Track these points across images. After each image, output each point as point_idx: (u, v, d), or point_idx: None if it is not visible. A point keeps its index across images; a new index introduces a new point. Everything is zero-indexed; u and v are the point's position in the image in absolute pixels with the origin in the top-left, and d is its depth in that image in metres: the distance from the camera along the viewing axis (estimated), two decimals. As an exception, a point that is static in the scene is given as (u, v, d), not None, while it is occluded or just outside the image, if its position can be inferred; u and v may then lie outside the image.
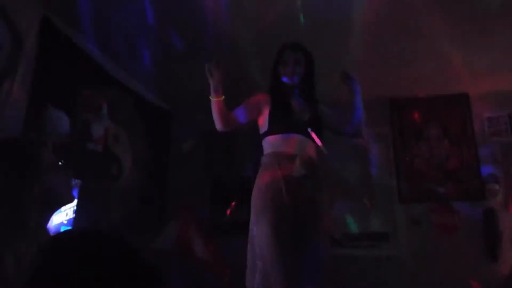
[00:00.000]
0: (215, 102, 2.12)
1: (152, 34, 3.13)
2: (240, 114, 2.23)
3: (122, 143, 3.65)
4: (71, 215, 2.59)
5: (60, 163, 1.77)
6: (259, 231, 1.98)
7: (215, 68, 2.09)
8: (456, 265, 3.76)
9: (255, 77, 3.12)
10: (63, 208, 2.56)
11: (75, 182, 2.79)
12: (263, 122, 2.25)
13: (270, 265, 1.89)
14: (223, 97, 2.14)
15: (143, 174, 4.00)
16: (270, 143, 2.20)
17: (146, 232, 3.68)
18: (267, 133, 2.22)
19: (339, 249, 4.11)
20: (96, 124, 3.27)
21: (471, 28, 3.08)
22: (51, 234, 1.59)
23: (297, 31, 2.83)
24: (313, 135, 2.12)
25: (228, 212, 4.03)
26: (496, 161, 4.10)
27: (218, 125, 2.16)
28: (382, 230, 4.16)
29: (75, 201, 2.63)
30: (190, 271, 3.63)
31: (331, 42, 3.17)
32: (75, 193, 2.72)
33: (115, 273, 1.01)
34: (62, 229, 2.57)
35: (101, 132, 3.31)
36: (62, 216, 2.57)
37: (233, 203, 3.96)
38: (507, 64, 3.64)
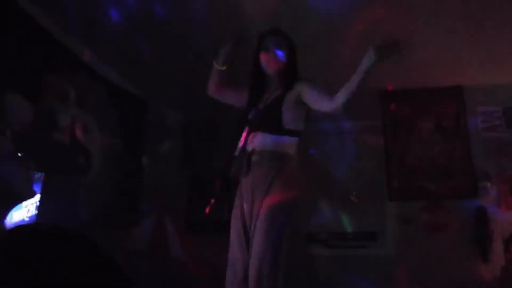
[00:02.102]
0: (214, 68, 2.32)
1: (127, 16, 3.07)
2: (235, 92, 2.41)
3: (91, 133, 3.58)
4: (33, 211, 2.52)
5: (19, 154, 1.71)
6: None
7: (234, 37, 2.27)
8: (446, 265, 3.81)
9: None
10: (24, 203, 2.49)
11: (38, 175, 2.71)
12: None
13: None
14: (224, 67, 2.31)
15: (115, 167, 3.93)
16: None
17: (116, 231, 3.63)
18: None
19: (324, 249, 4.14)
20: (62, 112, 3.18)
21: (465, 19, 3.12)
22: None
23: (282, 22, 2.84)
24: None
25: (207, 210, 4.00)
26: (489, 158, 4.16)
27: (207, 88, 2.38)
28: (370, 230, 4.19)
29: (38, 196, 2.56)
30: (164, 274, 3.60)
31: (319, 32, 3.20)
32: (37, 187, 2.65)
33: (74, 275, 0.97)
34: (23, 226, 2.50)
35: (68, 121, 3.23)
36: (23, 213, 2.50)
37: (213, 201, 3.93)
38: (501, 57, 3.69)
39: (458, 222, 4.02)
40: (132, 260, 3.62)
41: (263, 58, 2.24)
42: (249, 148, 2.16)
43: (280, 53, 2.23)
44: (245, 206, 2.11)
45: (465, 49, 3.53)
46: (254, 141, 2.15)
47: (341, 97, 2.00)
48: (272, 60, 2.23)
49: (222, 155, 4.52)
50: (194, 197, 4.60)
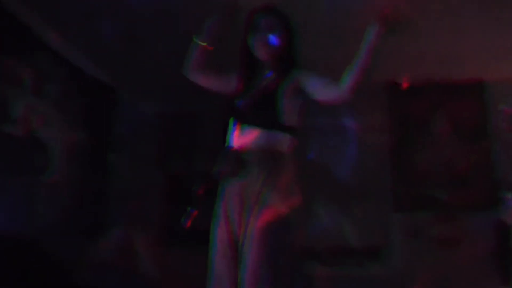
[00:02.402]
0: (194, 44, 2.20)
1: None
2: (220, 76, 2.30)
3: (50, 126, 3.53)
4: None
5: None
6: None
7: (221, 8, 2.17)
8: (460, 286, 3.83)
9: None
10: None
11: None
12: None
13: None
14: (206, 43, 2.20)
15: (78, 166, 3.89)
16: None
17: (79, 241, 3.59)
18: None
19: (319, 267, 4.12)
20: (15, 101, 3.13)
21: (488, 2, 3.09)
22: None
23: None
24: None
25: (189, 223, 3.97)
26: (512, 164, 4.17)
27: (185, 68, 2.26)
28: (373, 244, 4.18)
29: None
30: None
31: (322, 16, 3.20)
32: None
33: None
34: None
35: (22, 111, 3.18)
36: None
37: (196, 213, 3.90)
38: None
39: (474, 237, 4.02)
40: (98, 274, 3.59)
41: (253, 42, 2.14)
42: (238, 145, 2.06)
43: (273, 37, 2.18)
44: (232, 214, 2.06)
45: (488, 37, 3.51)
46: (244, 137, 2.06)
47: (348, 81, 1.91)
48: (263, 45, 2.11)
49: (204, 153, 4.50)
50: (171, 201, 4.56)
